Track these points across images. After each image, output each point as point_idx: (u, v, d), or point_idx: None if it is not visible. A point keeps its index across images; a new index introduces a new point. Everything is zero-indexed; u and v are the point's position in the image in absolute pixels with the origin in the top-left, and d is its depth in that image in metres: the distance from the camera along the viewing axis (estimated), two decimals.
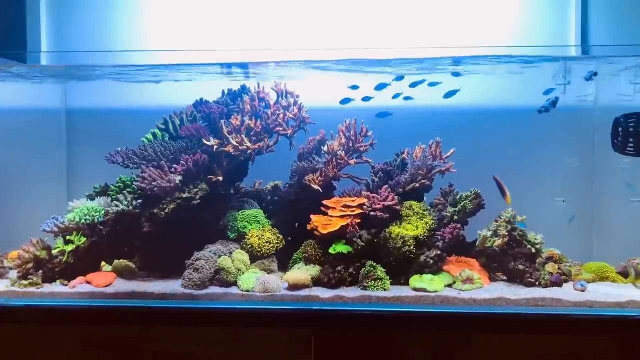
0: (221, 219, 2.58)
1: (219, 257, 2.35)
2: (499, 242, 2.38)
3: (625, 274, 2.41)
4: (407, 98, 2.73)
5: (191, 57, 2.60)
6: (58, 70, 2.88)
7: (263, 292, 2.21)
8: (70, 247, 2.38)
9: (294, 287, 2.25)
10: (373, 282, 2.24)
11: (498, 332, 2.03)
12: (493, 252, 2.42)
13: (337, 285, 2.28)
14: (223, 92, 2.76)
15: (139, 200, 2.45)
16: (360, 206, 2.41)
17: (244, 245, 2.47)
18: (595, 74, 2.50)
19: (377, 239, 2.36)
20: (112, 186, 2.55)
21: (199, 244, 2.44)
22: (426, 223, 2.39)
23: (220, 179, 2.51)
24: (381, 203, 2.39)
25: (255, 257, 2.44)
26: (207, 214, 2.52)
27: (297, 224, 2.63)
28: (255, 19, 2.95)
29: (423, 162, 2.52)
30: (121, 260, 2.51)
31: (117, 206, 2.44)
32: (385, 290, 2.23)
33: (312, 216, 2.43)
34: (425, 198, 2.60)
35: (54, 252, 2.40)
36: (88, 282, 2.32)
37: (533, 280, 2.29)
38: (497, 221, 2.44)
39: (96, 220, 2.43)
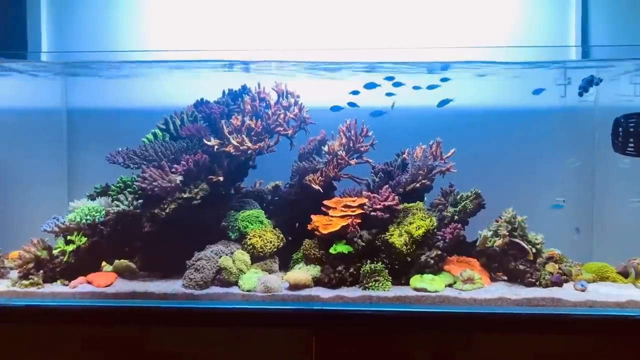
0: (222, 219, 2.58)
1: (220, 257, 2.35)
2: (499, 242, 2.38)
3: (625, 274, 2.42)
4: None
5: (192, 56, 2.60)
6: (58, 68, 2.89)
7: (264, 292, 2.21)
8: (70, 247, 2.38)
9: (294, 287, 2.25)
10: (374, 282, 2.24)
11: (498, 332, 2.04)
12: (493, 252, 2.42)
13: (337, 285, 2.28)
14: (223, 92, 2.76)
15: (140, 200, 2.45)
16: (361, 206, 2.41)
17: (245, 245, 2.47)
18: (600, 80, 2.49)
19: (377, 239, 2.36)
20: (112, 186, 2.55)
21: (200, 244, 2.44)
22: (428, 222, 2.39)
23: (221, 179, 2.51)
24: (382, 203, 2.39)
25: (256, 257, 2.44)
26: (207, 214, 2.51)
27: (297, 224, 2.63)
28: (256, 18, 2.94)
29: (423, 162, 2.52)
30: (122, 260, 2.51)
31: (117, 206, 2.44)
32: (385, 290, 2.23)
33: (312, 216, 2.43)
34: (425, 198, 2.61)
35: (55, 252, 2.39)
36: (89, 282, 2.32)
37: (533, 280, 2.30)
38: (497, 221, 2.44)
39: (97, 220, 2.43)
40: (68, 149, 3.09)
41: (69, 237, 2.41)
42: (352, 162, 2.56)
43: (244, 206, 2.65)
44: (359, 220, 2.38)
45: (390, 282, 2.26)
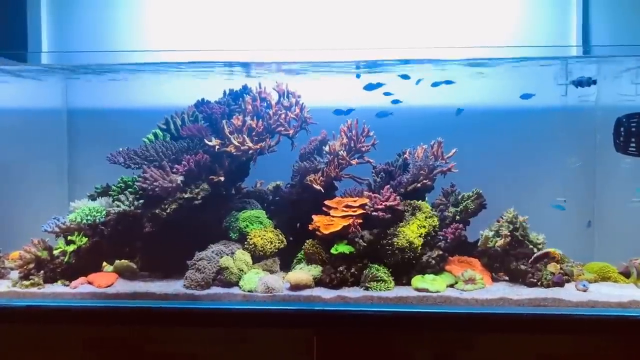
0: (223, 219, 2.58)
1: (221, 257, 2.35)
2: (500, 242, 2.37)
3: (627, 274, 2.41)
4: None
5: (192, 56, 2.60)
6: (59, 69, 2.88)
7: (265, 292, 2.21)
8: (71, 247, 2.38)
9: (295, 287, 2.25)
10: (375, 282, 2.24)
11: (500, 332, 2.03)
12: (495, 252, 2.42)
13: (339, 286, 2.28)
14: (224, 92, 2.75)
15: (141, 201, 2.44)
16: (362, 206, 2.41)
17: (246, 245, 2.46)
18: (595, 81, 2.51)
19: (379, 239, 2.36)
20: (113, 186, 2.55)
21: (201, 244, 2.44)
22: (430, 223, 2.39)
23: (222, 179, 2.50)
24: (383, 203, 2.39)
25: (257, 257, 2.44)
26: (208, 214, 2.51)
27: (298, 224, 2.62)
28: (258, 17, 2.94)
29: (425, 162, 2.52)
30: (122, 260, 2.50)
31: (118, 206, 2.43)
32: (387, 290, 2.23)
33: (313, 216, 2.43)
34: (426, 198, 2.60)
35: (55, 252, 2.39)
36: (89, 283, 2.32)
37: (535, 280, 2.29)
38: (499, 221, 2.44)
39: (97, 220, 2.43)
40: (69, 149, 3.09)
41: (69, 238, 2.41)
42: (353, 162, 2.55)
43: (244, 206, 2.65)
44: (360, 221, 2.38)
45: (392, 283, 2.26)
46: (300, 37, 2.92)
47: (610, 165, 2.73)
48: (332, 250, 2.34)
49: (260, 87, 2.65)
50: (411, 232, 2.33)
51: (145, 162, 2.47)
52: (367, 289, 2.24)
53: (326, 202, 2.46)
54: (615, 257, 2.49)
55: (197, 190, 2.43)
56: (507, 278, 2.41)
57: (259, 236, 2.46)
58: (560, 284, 2.28)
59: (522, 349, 2.01)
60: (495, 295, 2.18)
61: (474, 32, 2.91)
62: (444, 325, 2.07)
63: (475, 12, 2.91)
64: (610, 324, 2.04)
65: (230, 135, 2.51)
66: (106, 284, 2.30)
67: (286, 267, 2.49)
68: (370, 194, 2.46)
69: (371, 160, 2.61)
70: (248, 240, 2.47)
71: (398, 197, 2.42)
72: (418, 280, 2.27)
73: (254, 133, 2.54)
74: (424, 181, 2.52)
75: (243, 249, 2.45)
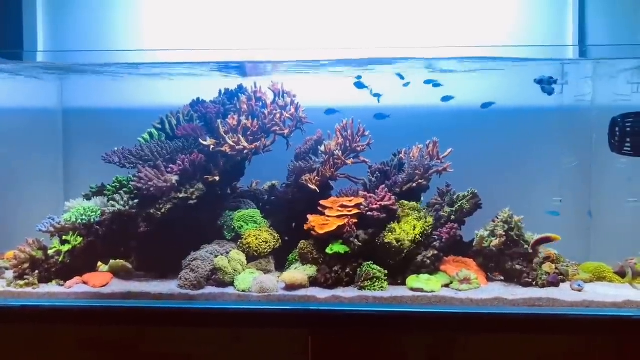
0: (218, 218, 2.58)
1: (216, 257, 2.34)
2: (495, 242, 2.37)
3: (622, 274, 2.41)
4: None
5: (188, 56, 2.59)
6: (54, 68, 2.88)
7: (259, 292, 2.21)
8: (66, 247, 2.37)
9: (290, 287, 2.24)
10: (370, 282, 2.24)
11: (495, 332, 2.03)
12: (490, 252, 2.41)
13: (334, 285, 2.28)
14: (220, 91, 2.75)
15: (136, 200, 2.44)
16: (357, 206, 2.40)
17: (241, 245, 2.46)
18: (556, 81, 2.51)
19: (374, 239, 2.36)
20: (108, 186, 2.54)
21: (196, 244, 2.43)
22: (425, 222, 2.39)
23: (217, 178, 2.50)
24: (378, 203, 2.38)
25: (251, 257, 2.44)
26: (203, 213, 2.51)
27: (294, 224, 2.62)
28: (253, 17, 2.93)
29: (420, 162, 2.52)
30: (117, 260, 2.51)
31: (113, 206, 2.43)
32: (382, 290, 2.22)
33: (309, 216, 2.43)
34: (422, 198, 2.60)
35: (50, 252, 2.38)
36: (84, 282, 2.32)
37: (530, 280, 2.29)
38: (494, 221, 2.44)
39: (92, 220, 2.42)
40: (64, 149, 3.08)
41: (64, 237, 2.40)
42: (349, 161, 2.55)
43: (240, 206, 2.65)
44: (356, 220, 2.38)
45: (386, 282, 2.26)
46: (297, 36, 2.91)
47: (606, 165, 2.73)
48: (327, 250, 2.33)
49: (255, 87, 2.65)
50: (405, 232, 2.33)
51: (140, 162, 2.46)
52: (361, 288, 2.23)
53: (321, 202, 2.46)
54: (611, 257, 2.49)
55: (192, 190, 2.43)
56: (502, 278, 2.41)
57: (254, 236, 2.46)
58: (555, 283, 2.28)
59: (518, 349, 2.01)
60: (490, 295, 2.18)
61: (472, 32, 2.90)
62: (438, 325, 2.07)
63: (474, 12, 2.91)
64: (605, 324, 2.04)
65: (225, 135, 2.50)
66: (101, 283, 2.29)
67: (281, 266, 2.49)
68: (366, 193, 2.46)
69: (367, 160, 2.61)
70: (243, 240, 2.46)
71: (393, 197, 2.42)
72: (413, 280, 2.26)
73: (249, 133, 2.53)
74: (420, 181, 2.52)
75: (238, 249, 2.44)
